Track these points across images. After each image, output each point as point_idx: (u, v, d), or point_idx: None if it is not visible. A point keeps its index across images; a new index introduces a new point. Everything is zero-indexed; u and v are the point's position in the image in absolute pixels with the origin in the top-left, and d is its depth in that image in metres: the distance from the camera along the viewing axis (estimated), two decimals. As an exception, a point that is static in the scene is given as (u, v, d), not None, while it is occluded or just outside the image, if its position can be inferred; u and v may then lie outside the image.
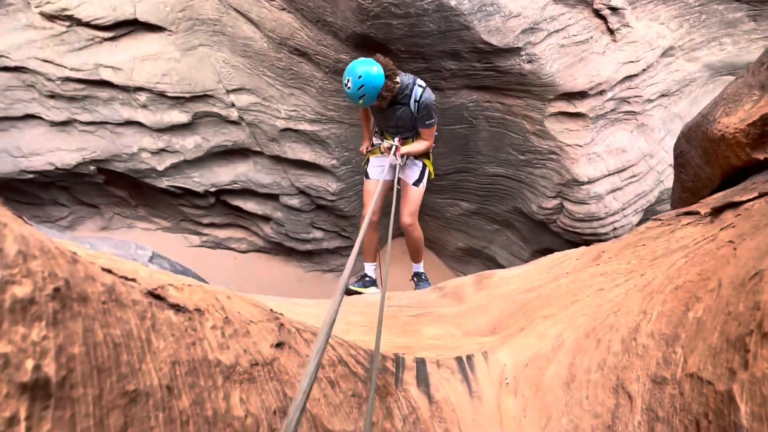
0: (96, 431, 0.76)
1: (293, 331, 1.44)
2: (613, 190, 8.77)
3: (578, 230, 8.96)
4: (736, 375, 1.08)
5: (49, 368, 0.72)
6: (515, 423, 1.80)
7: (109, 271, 0.97)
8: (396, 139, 5.05)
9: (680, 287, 1.55)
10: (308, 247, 10.49)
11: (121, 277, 0.99)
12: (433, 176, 5.36)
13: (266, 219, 10.40)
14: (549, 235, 9.46)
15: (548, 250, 9.74)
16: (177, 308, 1.07)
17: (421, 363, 1.89)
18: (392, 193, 4.68)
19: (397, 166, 4.81)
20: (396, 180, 4.66)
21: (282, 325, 1.41)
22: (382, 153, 5.14)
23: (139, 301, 0.98)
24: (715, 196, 3.70)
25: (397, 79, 4.75)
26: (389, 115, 4.93)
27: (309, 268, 10.99)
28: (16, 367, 0.66)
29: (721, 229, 1.78)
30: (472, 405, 1.82)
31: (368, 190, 5.25)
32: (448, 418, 1.72)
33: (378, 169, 5.15)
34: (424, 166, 5.24)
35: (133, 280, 1.01)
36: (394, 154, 4.85)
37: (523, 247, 10.16)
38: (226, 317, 1.20)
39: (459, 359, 1.99)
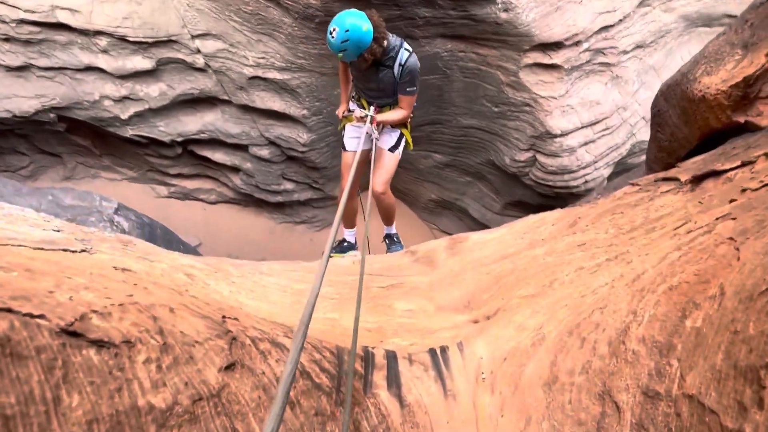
0: None
1: (247, 344, 1.27)
2: (586, 143, 8.71)
3: (550, 183, 8.92)
4: (748, 413, 0.95)
5: None
6: (492, 423, 1.69)
7: (8, 311, 0.78)
8: (372, 108, 4.79)
9: (675, 288, 1.42)
10: (279, 198, 10.27)
11: (25, 315, 0.80)
12: (411, 147, 5.14)
13: (236, 170, 10.11)
14: (521, 188, 9.41)
15: (520, 203, 9.72)
16: (100, 344, 0.89)
17: (392, 359, 1.75)
18: (370, 165, 4.50)
19: (373, 135, 4.59)
20: (372, 150, 4.45)
21: (234, 339, 1.24)
22: (357, 121, 4.88)
23: (46, 347, 0.79)
24: (694, 160, 3.59)
25: (385, 44, 4.46)
26: (370, 76, 4.65)
27: (280, 220, 10.80)
28: None
29: (718, 219, 1.64)
30: (447, 405, 1.70)
31: (345, 162, 5.04)
32: (421, 422, 1.60)
33: (354, 140, 4.92)
34: (402, 134, 5.01)
35: (41, 316, 0.83)
36: (370, 124, 4.61)
37: (494, 200, 10.11)
38: (164, 343, 1.02)
39: (433, 353, 1.86)
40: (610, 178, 9.31)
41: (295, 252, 9.74)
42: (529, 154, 8.78)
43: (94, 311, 0.95)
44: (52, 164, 10.56)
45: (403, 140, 5.02)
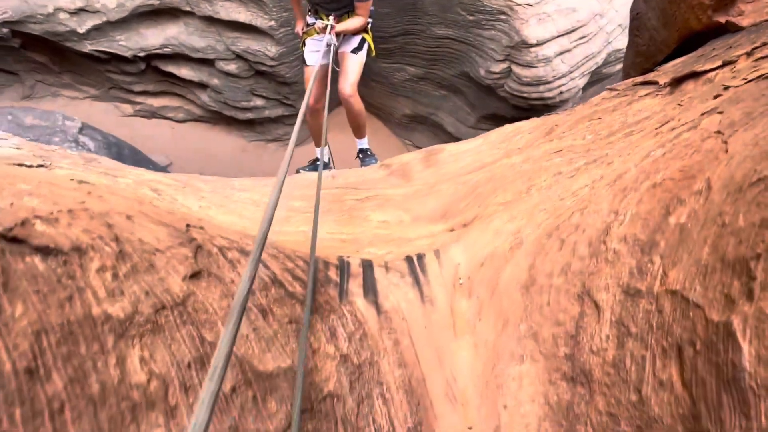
0: None
1: (214, 253, 1.20)
2: (562, 53, 8.54)
3: (525, 95, 8.81)
4: (736, 305, 0.92)
5: None
6: (469, 327, 1.67)
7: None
8: (331, 17, 4.63)
9: (659, 185, 1.37)
10: (249, 115, 9.99)
11: (-46, 219, 0.71)
12: (374, 53, 5.02)
13: (203, 86, 9.75)
14: (495, 101, 9.28)
15: (494, 116, 9.60)
16: (45, 251, 0.81)
17: (368, 268, 1.71)
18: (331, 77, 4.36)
19: (332, 46, 4.45)
20: (331, 62, 4.31)
21: (200, 247, 1.17)
22: (318, 33, 4.73)
23: (-19, 253, 0.71)
24: (673, 63, 3.51)
25: None
26: None
27: (251, 138, 10.56)
28: None
29: (703, 114, 1.58)
30: (424, 311, 1.67)
31: (308, 77, 4.90)
32: (398, 328, 1.57)
33: (315, 54, 4.76)
34: (363, 38, 4.88)
35: (-26, 221, 0.74)
36: (329, 34, 4.47)
37: (469, 113, 9.98)
38: (121, 251, 0.95)
39: (410, 260, 1.82)
40: (585, 88, 9.21)
41: (268, 170, 9.57)
42: (504, 65, 8.60)
43: (38, 217, 0.86)
44: (9, 83, 10.07)
45: (366, 44, 4.90)
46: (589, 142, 2.85)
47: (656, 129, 1.90)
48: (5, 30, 8.49)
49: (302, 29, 4.95)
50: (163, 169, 9.10)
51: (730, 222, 1.02)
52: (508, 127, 4.29)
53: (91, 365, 0.77)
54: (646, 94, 3.15)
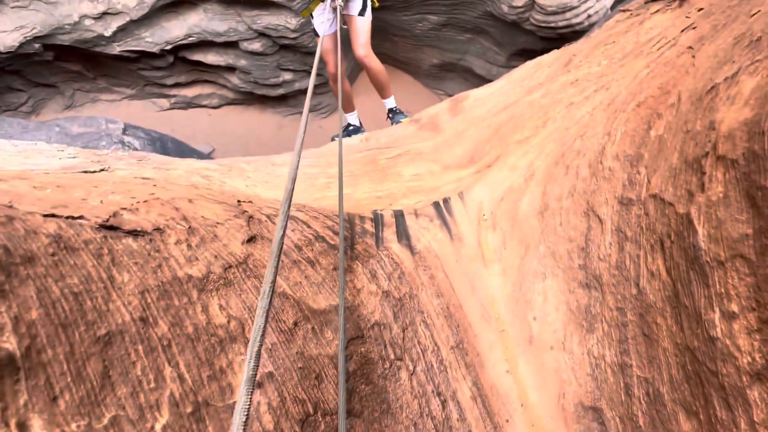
0: (76, 385, 0.78)
1: (263, 220, 1.44)
2: (585, -26, 8.37)
3: (552, 24, 8.68)
4: (694, 197, 1.10)
5: (9, 343, 0.72)
6: (497, 256, 1.88)
7: (52, 215, 0.94)
8: None
9: (642, 103, 1.52)
10: (280, 91, 10.22)
11: (67, 218, 0.96)
12: (377, 5, 5.13)
13: (231, 69, 10.01)
14: (523, 35, 9.18)
15: (524, 51, 9.51)
16: (135, 234, 1.06)
17: (399, 216, 1.92)
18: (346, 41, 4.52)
19: (338, 9, 4.59)
20: (340, 25, 4.46)
21: (251, 217, 1.41)
22: (322, 0, 4.87)
23: (91, 240, 0.96)
24: (684, -27, 3.52)
25: None
26: None
27: (286, 113, 10.81)
28: (-26, 355, 0.67)
29: (682, 31, 1.70)
30: (454, 247, 1.88)
31: (324, 48, 5.08)
32: (432, 264, 1.79)
33: (324, 25, 4.92)
34: None
35: (81, 217, 0.99)
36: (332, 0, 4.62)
37: (498, 52, 9.91)
38: (190, 227, 1.19)
39: (436, 205, 2.02)
40: (613, 7, 9.00)
41: (307, 141, 9.80)
42: (526, -2, 8.50)
43: (124, 208, 1.10)
44: (50, 96, 10.57)
45: (368, 1, 5.02)
46: (603, 68, 2.94)
47: (652, 47, 2.02)
48: (37, 45, 8.90)
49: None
50: (207, 156, 9.48)
51: (691, 128, 1.18)
52: (529, 63, 4.37)
53: (184, 312, 1.02)
54: (657, 11, 3.20)
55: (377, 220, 1.88)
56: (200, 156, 8.85)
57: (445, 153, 3.22)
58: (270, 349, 1.12)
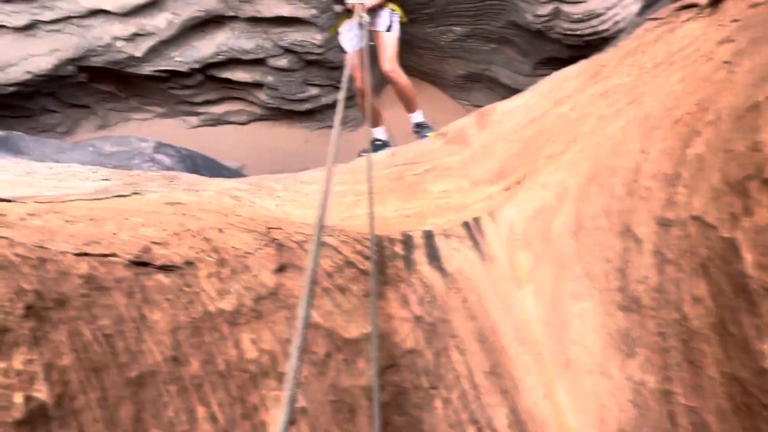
0: (111, 429, 0.78)
1: (294, 247, 1.43)
2: (611, -20, 8.27)
3: (578, 32, 8.60)
4: (739, 222, 1.05)
5: (41, 392, 0.72)
6: (530, 276, 1.84)
7: (84, 254, 0.94)
8: None
9: (679, 120, 1.48)
10: (307, 106, 10.31)
11: (99, 255, 0.96)
12: (405, 21, 5.14)
13: (258, 86, 10.13)
14: (548, 44, 9.10)
15: (550, 60, 9.44)
16: (166, 269, 1.05)
17: (429, 238, 1.90)
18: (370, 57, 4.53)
19: (366, 25, 4.61)
20: (367, 40, 4.48)
21: (281, 245, 1.40)
22: (349, 17, 4.89)
23: (123, 278, 0.96)
24: (715, -21, 3.44)
25: None
26: None
27: (313, 127, 10.89)
28: (4, 406, 0.66)
29: (719, 43, 1.65)
30: (486, 268, 1.85)
31: (350, 64, 5.10)
32: (464, 287, 1.76)
33: (351, 41, 4.95)
34: (393, 11, 5.01)
35: (112, 254, 0.99)
36: (360, 15, 4.64)
37: (523, 61, 9.85)
38: (221, 258, 1.19)
39: (466, 225, 1.99)
40: (641, 13, 8.89)
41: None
42: (551, 6, 8.42)
43: (154, 243, 1.10)
44: (84, 116, 10.82)
45: (396, 18, 5.03)
46: (634, 78, 2.88)
47: (686, 58, 1.97)
48: (71, 67, 9.14)
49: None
50: (237, 172, 9.58)
51: (733, 147, 1.14)
52: (556, 75, 4.31)
53: (216, 349, 1.01)
54: (688, 19, 3.13)
55: (407, 242, 1.86)
56: (229, 171, 8.96)
57: (473, 168, 3.19)
58: (303, 384, 1.11)
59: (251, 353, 1.06)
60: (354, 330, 1.33)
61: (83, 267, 0.91)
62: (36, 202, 1.72)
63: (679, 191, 1.37)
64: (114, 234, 1.14)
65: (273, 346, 1.12)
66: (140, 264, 1.02)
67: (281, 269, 1.31)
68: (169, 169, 8.61)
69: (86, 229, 1.15)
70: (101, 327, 0.85)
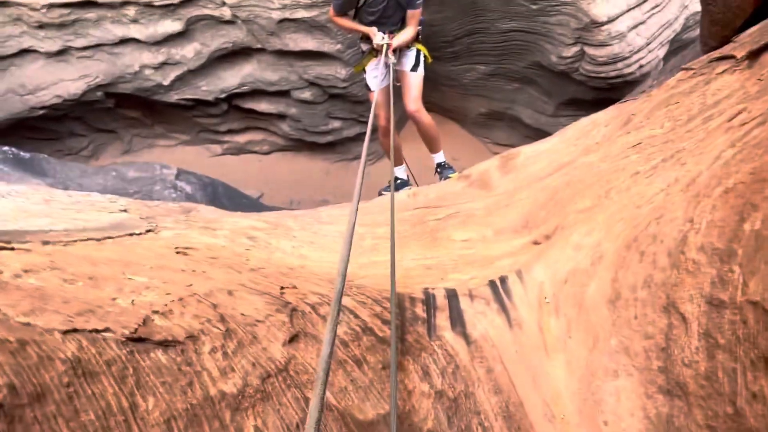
0: None
1: (308, 312, 1.32)
2: (636, 26, 8.21)
3: (602, 75, 8.55)
4: (812, 320, 0.93)
5: None
6: (560, 345, 1.71)
7: (74, 331, 0.84)
8: (385, 36, 4.75)
9: (731, 190, 1.36)
10: (329, 138, 10.33)
11: (91, 331, 0.86)
12: (430, 61, 5.11)
13: (282, 117, 10.20)
14: (573, 85, 9.05)
15: (573, 101, 9.37)
16: (165, 345, 0.95)
17: (453, 298, 1.78)
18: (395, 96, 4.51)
19: (391, 65, 4.59)
20: (392, 80, 4.46)
21: (294, 309, 1.29)
22: (375, 56, 4.88)
23: (115, 359, 0.85)
24: (750, 32, 3.32)
25: None
26: (373, 2, 4.64)
27: (334, 159, 10.90)
28: None
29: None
30: (513, 335, 1.72)
31: (377, 102, 5.07)
32: (489, 356, 1.63)
33: (377, 79, 4.92)
34: (418, 51, 4.98)
35: (106, 330, 0.89)
36: (386, 55, 4.62)
37: (546, 102, 9.79)
38: (227, 330, 1.08)
39: (493, 285, 1.87)
40: (666, 58, 8.81)
41: (352, 188, 9.82)
42: (576, 48, 8.38)
43: (156, 312, 1.00)
44: (109, 141, 10.97)
45: (422, 56, 5.00)
46: (667, 131, 2.77)
47: (729, 120, 1.86)
48: (99, 93, 9.30)
49: (367, 49, 5.09)
50: (257, 201, 9.56)
51: (803, 232, 1.01)
52: (584, 121, 4.22)
53: (215, 441, 0.90)
54: (724, 71, 3.02)
55: (429, 302, 1.74)
56: (249, 200, 8.95)
57: (497, 216, 3.07)
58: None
59: (255, 444, 0.95)
60: (370, 410, 1.21)
61: (71, 348, 0.81)
62: (43, 242, 1.64)
63: (733, 269, 1.24)
64: (113, 299, 1.04)
65: (279, 433, 1.00)
66: (137, 340, 0.91)
67: (293, 339, 1.20)
68: (189, 196, 8.62)
69: (83, 292, 1.05)
70: (84, 424, 0.74)
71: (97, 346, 0.85)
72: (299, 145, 10.75)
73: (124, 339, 0.89)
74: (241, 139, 10.91)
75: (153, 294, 1.09)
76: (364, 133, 10.05)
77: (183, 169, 9.26)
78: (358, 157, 10.89)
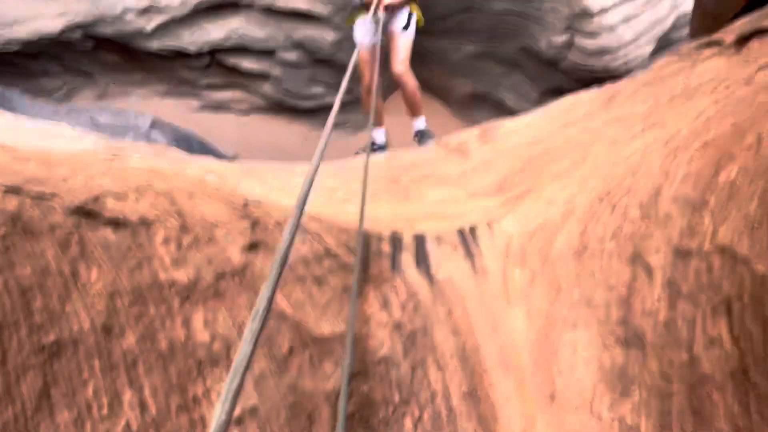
0: (6, 403, 0.62)
1: (271, 227, 1.28)
2: (627, 20, 8.24)
3: (589, 66, 8.59)
4: (780, 257, 0.92)
5: None
6: (522, 296, 1.70)
7: (18, 191, 0.79)
8: None
9: (710, 143, 1.34)
10: (310, 104, 10.19)
11: (35, 196, 0.80)
12: (422, 23, 5.02)
13: (265, 77, 10.00)
14: (558, 74, 9.07)
15: (557, 90, 9.38)
16: (116, 223, 0.90)
17: (420, 241, 1.75)
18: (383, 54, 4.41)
19: (380, 22, 4.50)
20: (380, 39, 4.37)
21: (257, 221, 1.25)
22: (367, 11, 4.78)
23: (59, 224, 0.80)
24: (740, 21, 3.33)
25: None
26: None
27: (313, 126, 10.76)
28: None
29: (759, 70, 1.53)
30: (477, 282, 1.71)
31: (363, 59, 4.98)
32: (451, 299, 1.62)
33: (366, 37, 4.83)
34: (410, 12, 4.89)
35: (54, 196, 0.83)
36: (375, 10, 4.52)
37: (531, 88, 9.81)
38: (183, 224, 1.03)
39: (461, 233, 1.85)
40: (652, 55, 8.88)
41: (330, 157, 9.72)
42: (566, 36, 8.39)
43: (110, 192, 0.95)
44: (85, 84, 10.64)
45: (414, 18, 4.92)
46: (649, 107, 2.77)
47: (713, 89, 1.85)
48: (78, 33, 8.99)
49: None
50: (230, 159, 9.41)
51: (778, 175, 1.00)
52: (567, 99, 4.20)
53: (159, 324, 0.85)
54: (711, 56, 3.02)
55: (395, 241, 1.71)
56: (223, 158, 8.80)
57: (472, 180, 3.05)
58: (257, 378, 0.95)
59: (202, 336, 0.91)
60: (326, 327, 1.18)
61: (11, 204, 0.75)
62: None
63: (704, 218, 1.23)
64: (64, 179, 0.98)
65: (229, 332, 0.96)
66: (86, 213, 0.86)
67: (252, 247, 1.16)
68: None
69: (34, 168, 0.99)
70: (18, 277, 0.70)
71: (41, 208, 0.79)
72: (279, 109, 10.58)
73: (73, 208, 0.84)
74: (221, 96, 10.68)
75: (109, 180, 1.04)
76: (347, 102, 9.95)
77: (158, 120, 9.05)
78: (337, 125, 10.78)
